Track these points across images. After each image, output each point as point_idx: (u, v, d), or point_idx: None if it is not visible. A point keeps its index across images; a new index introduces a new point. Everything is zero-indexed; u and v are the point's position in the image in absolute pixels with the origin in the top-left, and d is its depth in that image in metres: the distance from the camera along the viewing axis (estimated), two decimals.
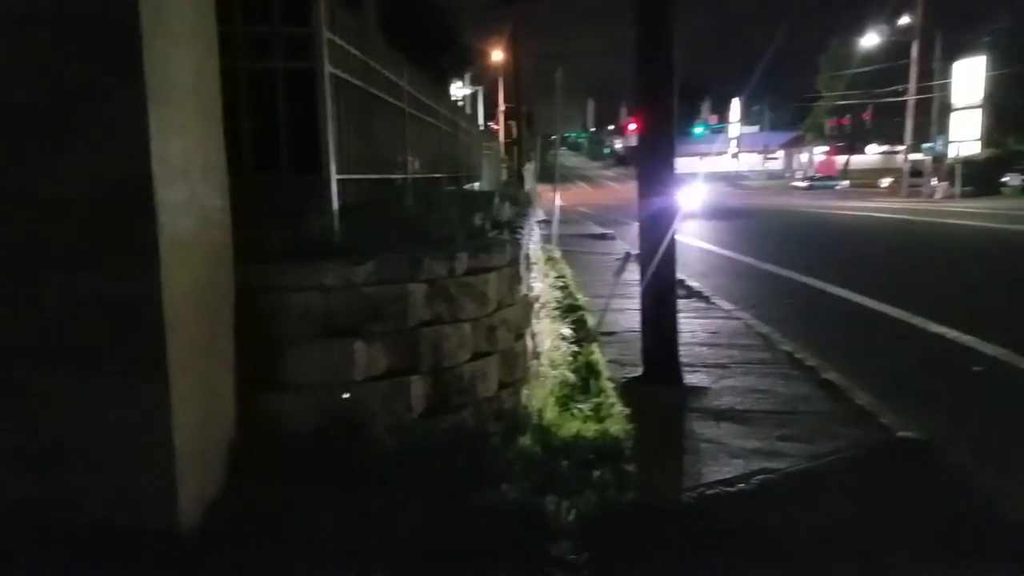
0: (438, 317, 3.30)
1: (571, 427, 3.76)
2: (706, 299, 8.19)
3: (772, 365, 5.30)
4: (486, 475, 3.12)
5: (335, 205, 3.45)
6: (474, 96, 31.44)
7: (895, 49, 39.45)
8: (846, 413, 4.23)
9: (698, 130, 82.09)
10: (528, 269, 4.65)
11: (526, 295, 4.36)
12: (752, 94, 75.82)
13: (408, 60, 5.69)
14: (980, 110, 37.57)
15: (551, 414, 3.90)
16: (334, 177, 3.44)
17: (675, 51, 4.60)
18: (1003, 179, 35.74)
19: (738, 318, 7.09)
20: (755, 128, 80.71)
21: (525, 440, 3.49)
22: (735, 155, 78.77)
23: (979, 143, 37.63)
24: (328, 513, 2.81)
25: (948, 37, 36.91)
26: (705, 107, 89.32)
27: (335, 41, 3.47)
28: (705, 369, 5.18)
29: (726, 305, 7.78)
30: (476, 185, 12.31)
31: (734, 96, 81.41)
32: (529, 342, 4.27)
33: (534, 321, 4.65)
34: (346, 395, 3.10)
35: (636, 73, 4.67)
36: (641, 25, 4.63)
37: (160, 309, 2.42)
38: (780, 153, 78.83)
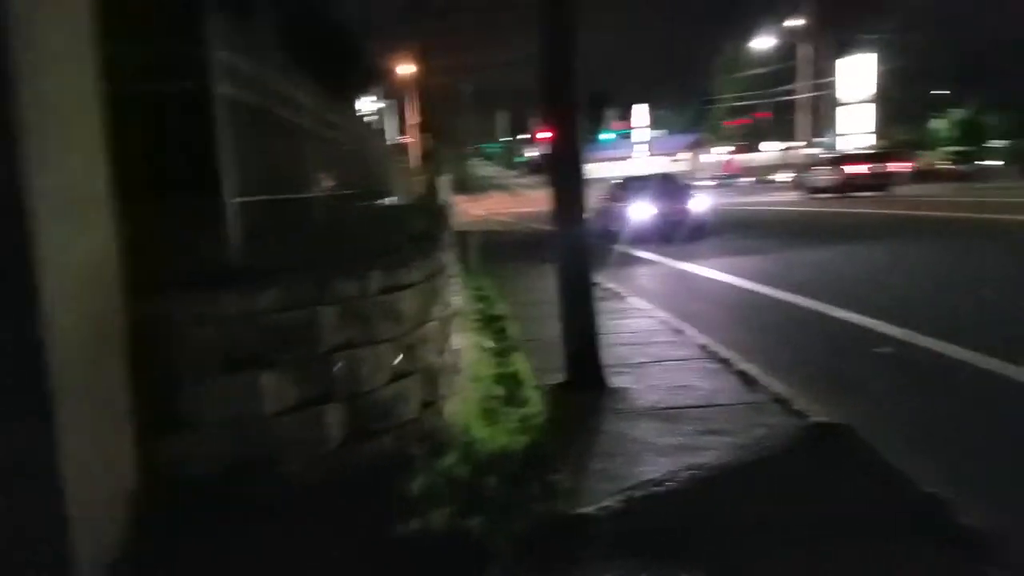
0: (352, 340, 3.18)
1: (498, 441, 3.70)
2: (623, 299, 8.31)
3: (691, 361, 5.40)
4: (411, 502, 3.03)
5: (235, 229, 3.28)
6: (385, 110, 31.20)
7: (789, 49, 41.46)
8: (763, 402, 4.34)
9: (606, 136, 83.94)
10: (446, 282, 4.57)
11: (446, 309, 4.28)
12: (656, 99, 78.28)
13: (314, 76, 5.55)
14: (873, 104, 39.81)
15: (477, 430, 3.83)
16: (232, 200, 3.27)
17: (577, 63, 4.64)
18: None
19: (654, 316, 7.20)
20: (663, 132, 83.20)
21: (451, 460, 3.41)
22: (648, 157, 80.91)
23: (874, 135, 39.91)
24: (241, 559, 2.65)
25: (838, 36, 39.18)
26: (611, 113, 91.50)
27: (227, 60, 3.31)
28: (628, 369, 5.21)
29: (643, 304, 7.91)
30: (390, 200, 12.14)
31: (639, 102, 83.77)
32: (451, 357, 4.19)
33: (455, 335, 4.58)
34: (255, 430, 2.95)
35: (541, 87, 4.72)
36: (543, 40, 4.66)
37: (45, 350, 2.23)
38: (688, 155, 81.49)
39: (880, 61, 38.89)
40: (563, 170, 4.82)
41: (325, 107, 6.24)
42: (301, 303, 3.02)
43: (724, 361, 5.28)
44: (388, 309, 3.30)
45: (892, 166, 29.25)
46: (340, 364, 3.13)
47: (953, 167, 36.16)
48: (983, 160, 35.59)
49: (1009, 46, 37.52)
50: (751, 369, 4.98)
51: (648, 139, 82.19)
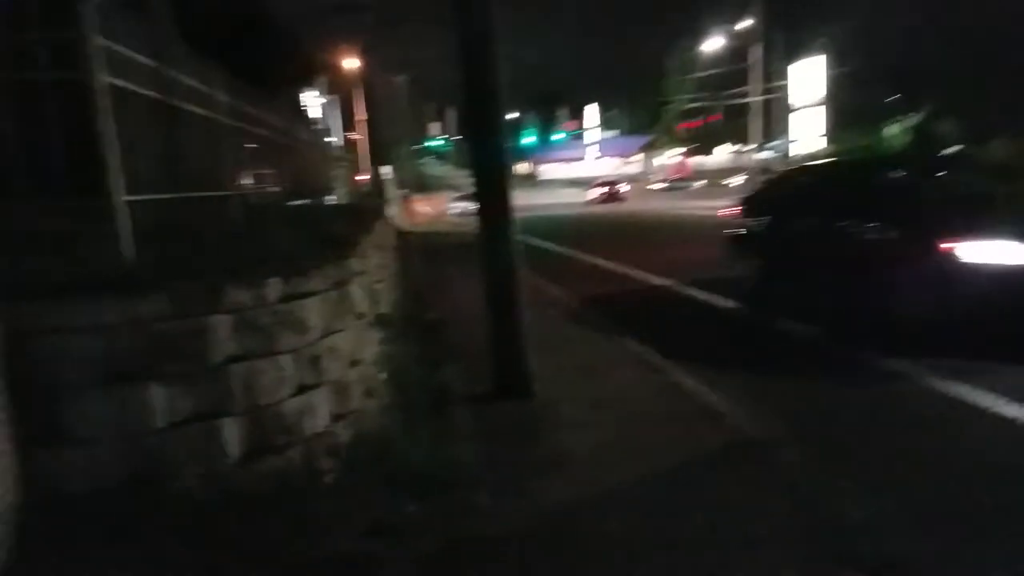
0: (250, 351, 2.97)
1: (416, 455, 3.52)
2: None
3: (631, 367, 5.32)
4: (316, 521, 2.85)
5: (126, 230, 3.04)
6: (330, 106, 30.46)
7: (742, 52, 41.45)
8: (694, 413, 4.26)
9: (558, 136, 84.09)
10: (365, 288, 4.37)
11: (364, 316, 4.09)
12: (607, 99, 78.52)
13: (238, 69, 5.28)
14: (823, 108, 39.98)
15: (396, 443, 3.65)
16: (122, 199, 3.03)
17: (498, 63, 4.47)
18: None
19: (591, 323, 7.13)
20: (614, 132, 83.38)
21: (364, 475, 3.23)
22: (597, 159, 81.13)
23: (825, 140, 40.05)
24: None
25: (789, 39, 38.93)
26: (563, 114, 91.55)
27: (114, 48, 3.07)
28: (560, 376, 5.10)
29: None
30: (329, 199, 11.84)
31: (591, 102, 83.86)
32: (369, 368, 4.00)
33: (378, 344, 4.39)
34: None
35: (462, 82, 4.55)
36: (460, 41, 4.50)
37: None
38: (639, 156, 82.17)
39: (831, 64, 38.96)
40: (488, 169, 4.66)
41: (245, 100, 5.97)
42: (191, 312, 2.80)
43: None
44: (289, 318, 3.10)
45: (620, 188, 43.93)
46: (236, 376, 2.92)
47: None
48: None
49: (961, 56, 37.99)
50: None
51: (599, 140, 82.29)
